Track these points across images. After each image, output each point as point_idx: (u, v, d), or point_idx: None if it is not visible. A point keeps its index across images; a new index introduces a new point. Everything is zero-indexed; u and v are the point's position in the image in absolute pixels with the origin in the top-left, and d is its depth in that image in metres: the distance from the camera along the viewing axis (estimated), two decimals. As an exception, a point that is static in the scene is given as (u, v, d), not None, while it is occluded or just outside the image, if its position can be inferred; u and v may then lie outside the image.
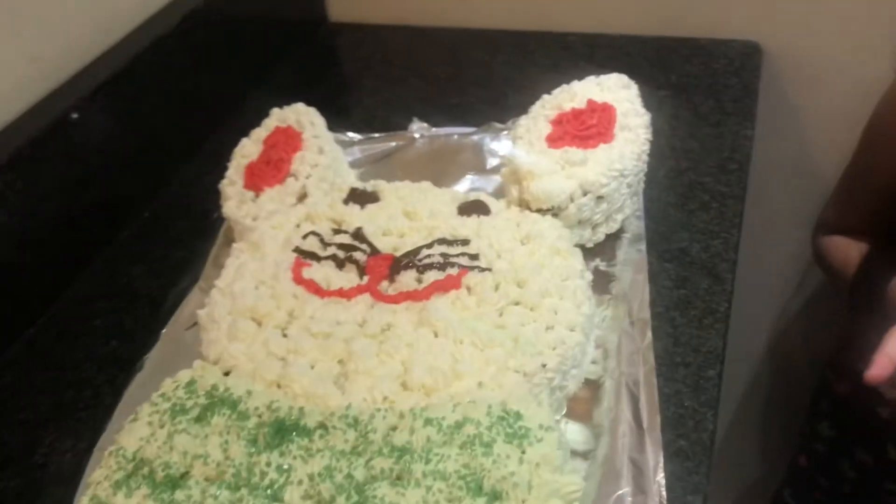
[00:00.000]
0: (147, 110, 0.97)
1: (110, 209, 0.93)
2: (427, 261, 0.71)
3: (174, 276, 0.86)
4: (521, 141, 0.82)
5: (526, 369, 0.62)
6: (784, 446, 1.30)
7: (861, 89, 1.01)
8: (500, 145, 0.96)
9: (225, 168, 0.88)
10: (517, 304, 0.67)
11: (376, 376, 0.61)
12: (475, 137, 0.98)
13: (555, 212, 0.77)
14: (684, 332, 0.75)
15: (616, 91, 0.86)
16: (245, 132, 0.91)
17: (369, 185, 0.83)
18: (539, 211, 0.77)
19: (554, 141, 0.80)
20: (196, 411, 0.60)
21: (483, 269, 0.70)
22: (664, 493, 0.60)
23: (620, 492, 0.60)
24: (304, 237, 0.75)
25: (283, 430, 0.57)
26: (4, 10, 0.84)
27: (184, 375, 0.64)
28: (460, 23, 1.27)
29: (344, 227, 0.76)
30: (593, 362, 0.69)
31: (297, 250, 0.74)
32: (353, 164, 0.94)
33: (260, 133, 0.88)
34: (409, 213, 0.77)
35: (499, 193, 0.88)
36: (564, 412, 0.67)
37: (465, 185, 0.91)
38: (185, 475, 0.56)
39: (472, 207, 0.78)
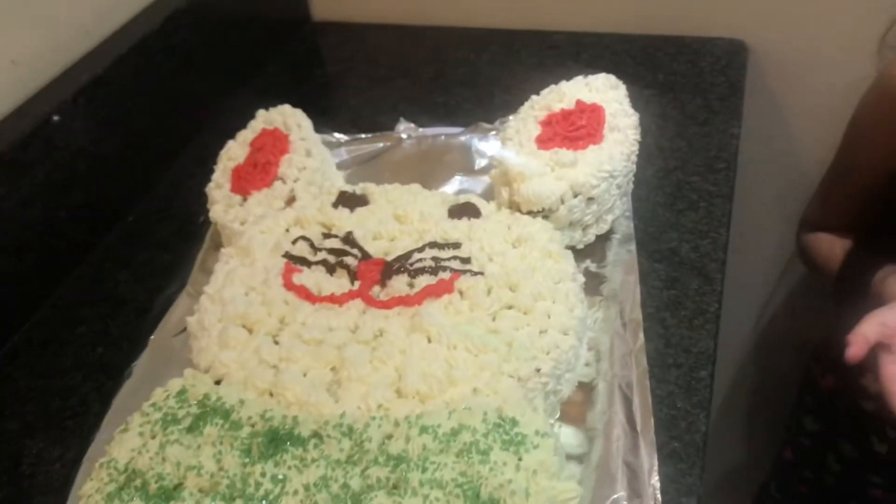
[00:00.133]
0: (129, 112, 0.96)
1: (94, 213, 0.92)
2: (419, 265, 0.71)
3: (160, 281, 0.85)
4: (511, 142, 0.82)
5: (520, 374, 0.62)
6: (770, 440, 1.31)
7: (846, 87, 1.01)
8: (488, 146, 0.96)
9: (210, 170, 0.87)
10: (510, 307, 0.67)
11: (370, 383, 0.61)
12: (463, 138, 0.98)
13: (545, 214, 0.77)
14: (675, 333, 0.75)
15: (605, 91, 0.86)
16: (229, 133, 0.90)
17: (358, 188, 0.82)
18: (530, 213, 0.77)
19: (544, 142, 0.80)
20: (188, 421, 0.59)
21: (475, 273, 0.69)
22: (659, 496, 0.60)
23: (615, 496, 0.60)
24: (294, 242, 0.74)
25: (276, 440, 0.57)
26: (-17, 13, 0.83)
27: (174, 384, 0.63)
28: (445, 21, 1.26)
29: (334, 232, 0.76)
30: (586, 364, 0.69)
31: (287, 255, 0.73)
32: (339, 166, 0.93)
33: (246, 135, 0.87)
34: (400, 216, 0.77)
35: (488, 194, 0.87)
36: (558, 416, 0.66)
37: (453, 187, 0.91)
38: (178, 487, 0.56)
39: (463, 210, 0.77)
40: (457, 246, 0.73)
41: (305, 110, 0.89)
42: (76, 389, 0.76)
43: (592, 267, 0.80)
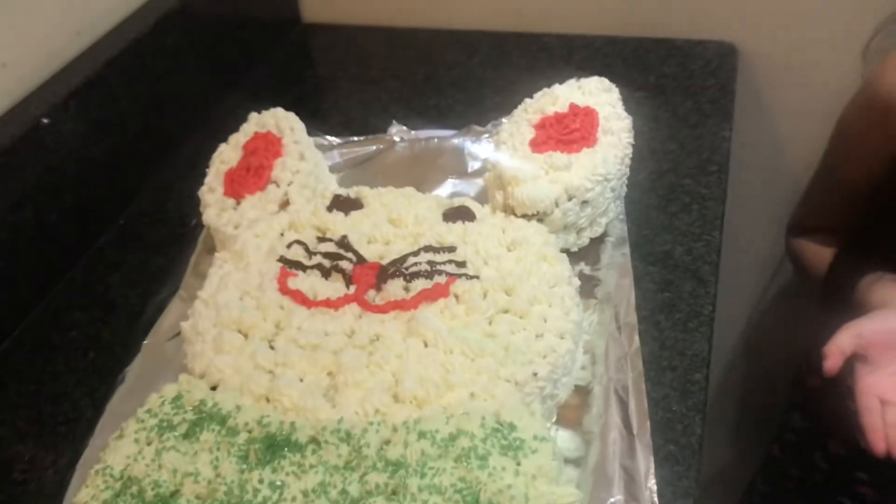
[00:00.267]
0: (120, 115, 0.95)
1: (85, 217, 0.91)
2: (414, 269, 0.71)
3: (152, 285, 0.85)
4: (505, 146, 0.82)
5: (517, 378, 0.62)
6: (759, 436, 1.32)
7: (836, 89, 1.02)
8: (480, 148, 0.96)
9: (201, 173, 0.86)
10: (506, 311, 0.67)
11: (367, 388, 0.61)
12: (455, 141, 0.98)
13: (540, 217, 0.77)
14: (670, 336, 0.75)
15: (598, 95, 0.86)
16: (220, 136, 0.90)
17: (352, 192, 0.82)
18: (524, 216, 0.77)
19: (538, 146, 0.80)
20: (184, 427, 0.59)
21: (471, 277, 0.69)
22: (656, 500, 0.61)
23: (613, 500, 0.60)
24: (289, 246, 0.74)
25: (274, 446, 0.56)
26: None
27: (169, 390, 0.62)
28: (436, 23, 1.26)
29: (329, 235, 0.76)
30: (582, 368, 0.69)
31: (282, 260, 0.73)
32: (332, 169, 0.93)
33: (239, 138, 0.87)
34: (394, 219, 0.77)
35: (481, 197, 0.88)
36: (554, 419, 0.66)
37: (447, 190, 0.91)
38: (175, 494, 0.55)
39: (457, 213, 0.77)
40: (452, 250, 0.73)
41: (297, 112, 0.89)
42: (68, 395, 0.75)
43: (586, 270, 0.80)
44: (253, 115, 0.89)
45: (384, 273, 0.71)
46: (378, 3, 1.28)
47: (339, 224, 0.76)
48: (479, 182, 0.91)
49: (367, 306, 0.68)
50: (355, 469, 0.55)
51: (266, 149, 0.83)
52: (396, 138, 0.99)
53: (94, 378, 0.76)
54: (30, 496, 0.67)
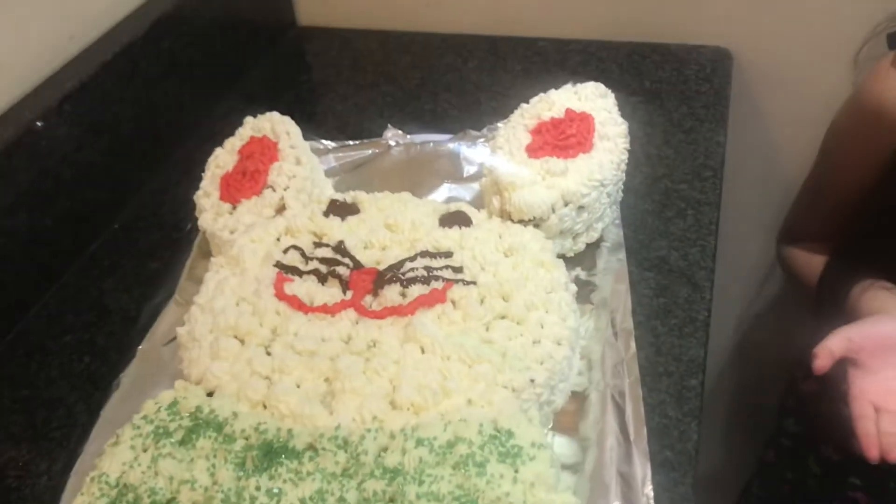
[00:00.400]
0: (115, 119, 0.95)
1: (79, 221, 0.90)
2: (411, 274, 0.71)
3: (147, 290, 0.84)
4: (501, 151, 0.82)
5: (514, 385, 0.62)
6: (753, 441, 1.32)
7: (830, 95, 1.02)
8: (476, 153, 0.96)
9: (196, 177, 0.86)
10: (503, 317, 0.67)
11: (364, 395, 0.61)
12: (451, 145, 0.98)
13: (536, 222, 0.77)
14: (665, 342, 0.75)
15: (593, 100, 0.86)
16: (215, 139, 0.90)
17: (348, 196, 0.82)
18: (521, 222, 0.77)
19: (534, 151, 0.80)
20: (180, 434, 0.59)
21: (467, 283, 0.69)
22: (653, 506, 0.61)
23: (610, 506, 0.60)
24: (285, 251, 0.74)
25: (271, 453, 0.56)
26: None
27: (165, 396, 0.62)
28: (430, 27, 1.26)
29: (325, 241, 0.75)
30: (578, 374, 0.69)
31: (279, 265, 0.72)
32: (328, 173, 0.92)
33: (234, 143, 0.86)
34: (391, 225, 0.77)
35: (477, 201, 0.88)
36: (551, 426, 0.66)
37: (442, 194, 0.91)
38: (171, 501, 0.55)
39: (454, 218, 0.77)
40: (448, 255, 0.73)
41: (292, 116, 0.88)
42: (62, 400, 0.75)
43: (582, 275, 0.80)
44: (248, 120, 0.89)
45: (381, 279, 0.71)
46: (373, 6, 1.28)
47: (335, 229, 0.76)
48: (475, 186, 0.91)
49: (364, 312, 0.68)
50: (353, 476, 0.55)
51: (262, 153, 0.83)
52: (392, 142, 0.99)
53: (89, 383, 0.76)
54: (24, 503, 0.67)
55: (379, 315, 0.68)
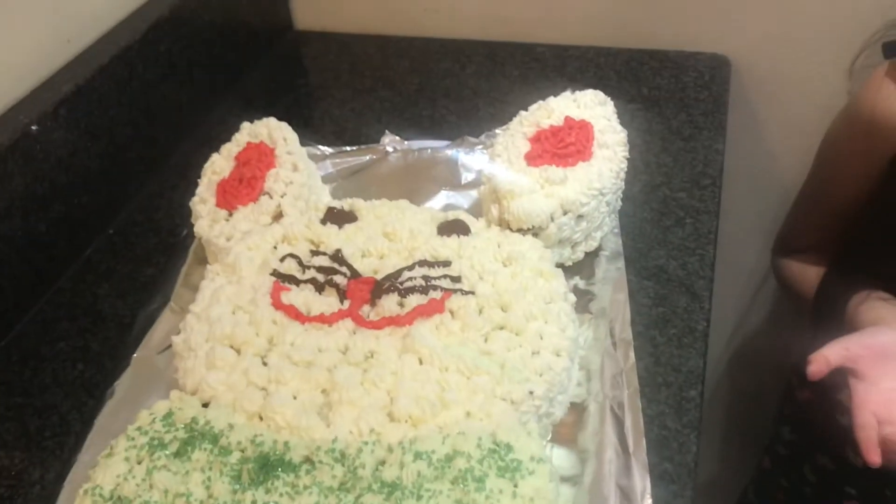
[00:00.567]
0: (111, 123, 0.94)
1: (74, 226, 0.90)
2: (409, 284, 0.70)
3: (142, 296, 0.84)
4: (500, 158, 0.81)
5: (513, 397, 0.61)
6: (749, 449, 1.32)
7: (828, 103, 1.02)
8: (474, 160, 0.96)
9: (192, 181, 0.86)
10: (502, 328, 0.66)
11: (362, 407, 0.60)
12: (449, 152, 0.97)
13: (535, 231, 0.77)
14: (664, 352, 0.75)
15: (593, 108, 0.85)
16: (211, 143, 0.89)
17: (346, 204, 0.81)
18: (519, 230, 0.77)
19: (533, 159, 0.80)
20: (175, 446, 0.58)
21: (466, 292, 0.69)
22: (652, 519, 0.60)
23: (609, 519, 0.60)
24: (282, 259, 0.73)
25: (267, 466, 0.56)
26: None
27: (160, 407, 0.61)
28: (428, 32, 1.26)
29: (322, 249, 0.75)
30: (577, 384, 0.69)
31: (276, 273, 0.72)
32: (325, 179, 0.92)
33: (231, 148, 0.86)
34: (389, 233, 0.76)
35: (475, 209, 0.87)
36: (549, 437, 0.66)
37: (440, 201, 0.90)
38: (166, 515, 0.55)
39: (452, 227, 0.77)
40: (447, 264, 0.72)
41: (289, 121, 0.88)
42: (56, 408, 0.74)
43: (581, 284, 0.79)
44: (245, 125, 0.88)
45: (379, 288, 0.70)
46: (371, 11, 1.27)
47: (332, 237, 0.76)
48: (473, 194, 0.91)
49: (361, 322, 0.68)
50: (350, 490, 0.55)
51: (259, 159, 0.82)
52: (389, 149, 0.99)
53: (83, 391, 0.75)
54: (16, 512, 0.66)
55: (377, 325, 0.67)
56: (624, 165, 0.82)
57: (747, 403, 1.51)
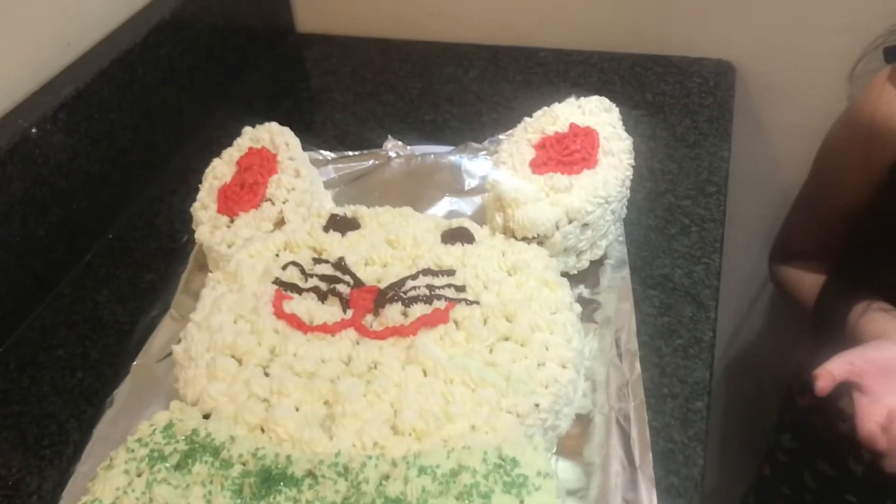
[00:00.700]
0: (111, 127, 0.93)
1: (73, 231, 0.89)
2: (413, 293, 0.69)
3: (142, 302, 0.83)
4: (505, 166, 0.81)
5: (519, 410, 0.60)
6: (749, 455, 1.31)
7: (834, 109, 1.01)
8: (477, 165, 0.95)
9: (192, 185, 0.85)
10: (507, 339, 0.66)
11: (365, 419, 0.59)
12: (452, 157, 0.96)
13: (540, 240, 0.76)
14: (670, 363, 0.74)
15: (598, 114, 0.85)
16: (211, 148, 0.88)
17: (349, 211, 0.80)
18: (524, 239, 0.76)
19: (538, 166, 0.79)
20: (175, 458, 0.57)
21: (470, 302, 0.68)
22: (658, 535, 0.59)
23: (615, 534, 0.59)
24: (284, 268, 0.72)
25: (269, 480, 0.55)
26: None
27: (160, 418, 0.61)
28: (431, 36, 1.25)
29: (325, 257, 0.74)
30: (582, 395, 0.68)
31: (278, 282, 0.71)
32: (327, 185, 0.91)
33: (232, 154, 0.85)
34: (392, 241, 0.75)
35: (478, 215, 0.86)
36: (554, 450, 0.65)
37: (443, 208, 0.90)
38: (166, 529, 0.54)
39: (456, 235, 0.76)
40: (451, 273, 0.71)
41: (290, 125, 0.87)
42: (54, 417, 0.73)
43: (586, 293, 0.79)
44: (247, 130, 0.87)
45: (382, 297, 0.69)
46: (373, 14, 1.26)
47: (335, 245, 0.75)
48: (476, 200, 0.90)
49: (364, 332, 0.67)
50: (354, 505, 0.54)
51: (261, 165, 0.81)
52: (392, 154, 0.98)
53: (82, 399, 0.75)
54: (13, 523, 0.66)
55: (380, 335, 0.66)
56: (629, 173, 0.81)
57: (746, 410, 1.51)
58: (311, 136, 1.00)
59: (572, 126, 0.83)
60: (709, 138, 1.01)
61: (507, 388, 0.61)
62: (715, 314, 0.79)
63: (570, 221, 0.76)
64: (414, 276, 0.71)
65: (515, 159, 0.81)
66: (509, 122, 0.98)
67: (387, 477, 0.55)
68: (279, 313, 0.68)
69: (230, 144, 0.87)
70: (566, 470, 0.64)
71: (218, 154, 0.86)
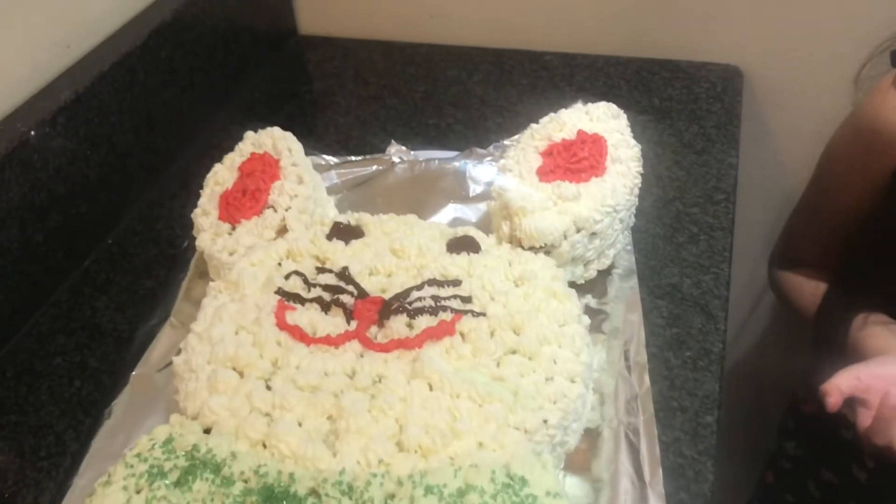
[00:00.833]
0: (111, 131, 0.92)
1: (72, 236, 0.87)
2: (418, 304, 0.68)
3: (142, 310, 0.82)
4: (512, 173, 0.79)
5: (527, 426, 0.59)
6: (751, 462, 1.30)
7: (842, 115, 1.00)
8: (482, 171, 0.93)
9: (193, 190, 0.84)
10: (514, 352, 0.64)
11: (369, 436, 0.57)
12: (457, 163, 0.95)
13: (547, 249, 0.74)
14: (679, 375, 0.73)
15: (606, 121, 0.83)
16: (212, 152, 0.87)
17: (352, 218, 0.78)
18: (531, 248, 0.74)
19: (545, 174, 0.77)
20: (175, 475, 0.56)
21: (477, 314, 0.66)
22: (668, 553, 0.58)
23: (625, 554, 0.57)
24: (287, 277, 0.71)
25: (272, 499, 0.53)
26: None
27: (160, 432, 0.59)
28: (434, 39, 1.24)
29: (328, 266, 0.72)
30: (591, 409, 0.67)
31: (280, 292, 0.69)
32: (330, 190, 0.90)
33: (234, 158, 0.83)
34: (397, 250, 0.74)
35: (483, 222, 0.85)
36: (562, 465, 0.64)
37: (448, 215, 0.88)
38: (165, 549, 0.52)
39: (462, 244, 0.74)
40: (457, 283, 0.70)
41: (292, 128, 0.86)
42: (52, 427, 0.72)
43: (593, 303, 0.77)
44: (249, 134, 0.86)
45: (387, 308, 0.68)
46: (376, 16, 1.25)
47: (339, 254, 0.73)
48: (481, 207, 0.89)
49: (369, 344, 0.65)
50: (358, 526, 0.52)
51: (263, 171, 0.80)
52: (396, 159, 0.96)
53: (80, 409, 0.73)
54: (9, 537, 0.64)
55: (385, 348, 0.65)
56: (638, 181, 0.79)
57: (751, 417, 1.49)
58: (314, 140, 0.99)
59: (580, 133, 0.81)
60: (717, 144, 1.00)
61: (515, 403, 0.60)
62: (725, 325, 0.78)
63: (578, 230, 0.74)
64: (419, 287, 0.70)
65: (522, 167, 0.79)
66: (514, 126, 0.96)
67: (392, 496, 0.54)
68: (282, 324, 0.66)
69: (231, 148, 0.86)
70: (574, 486, 0.62)
71: (219, 158, 0.85)
